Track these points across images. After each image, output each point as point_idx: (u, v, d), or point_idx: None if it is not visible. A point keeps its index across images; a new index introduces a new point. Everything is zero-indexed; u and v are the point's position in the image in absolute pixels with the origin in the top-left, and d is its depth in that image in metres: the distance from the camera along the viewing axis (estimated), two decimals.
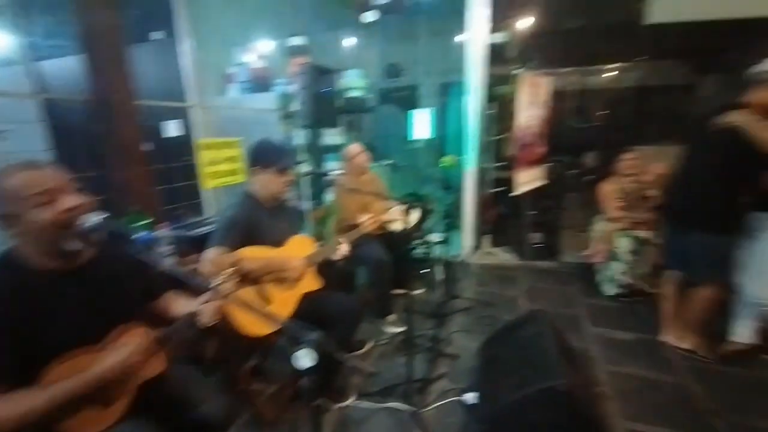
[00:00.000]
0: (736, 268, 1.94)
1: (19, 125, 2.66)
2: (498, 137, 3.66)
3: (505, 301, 2.87)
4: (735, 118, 1.73)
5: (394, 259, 2.44)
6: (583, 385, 1.69)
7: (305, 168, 3.18)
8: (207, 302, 1.05)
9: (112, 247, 1.02)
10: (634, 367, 2.07)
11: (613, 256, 2.84)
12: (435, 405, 1.81)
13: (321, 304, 1.75)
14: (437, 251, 3.28)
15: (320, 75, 3.30)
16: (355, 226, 2.14)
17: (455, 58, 3.49)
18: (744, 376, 1.96)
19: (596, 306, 2.77)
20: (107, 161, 2.05)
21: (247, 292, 1.58)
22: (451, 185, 3.73)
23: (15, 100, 2.69)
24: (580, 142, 5.78)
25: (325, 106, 3.38)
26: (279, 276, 1.65)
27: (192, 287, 1.05)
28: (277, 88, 3.47)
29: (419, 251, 3.12)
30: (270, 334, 1.56)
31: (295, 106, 3.32)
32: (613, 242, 2.83)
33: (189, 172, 2.65)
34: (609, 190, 2.92)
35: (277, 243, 1.71)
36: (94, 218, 0.92)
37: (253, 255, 1.58)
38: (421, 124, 4.19)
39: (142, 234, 1.75)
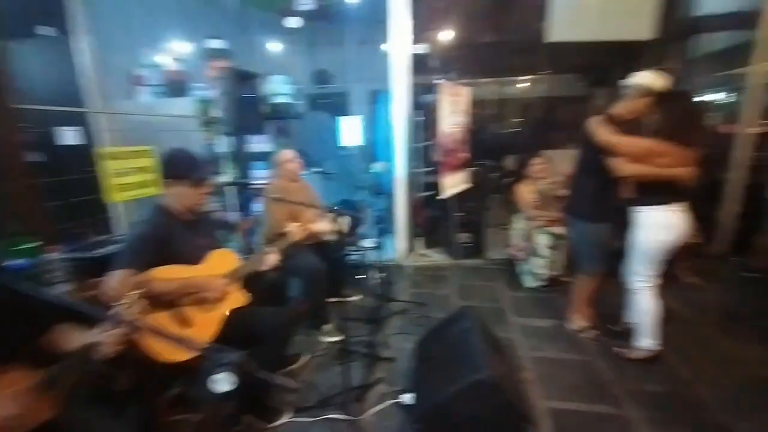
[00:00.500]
0: (615, 257, 2.22)
1: None
2: (426, 143, 3.82)
3: (439, 301, 2.98)
4: (591, 122, 2.11)
5: (328, 267, 2.41)
6: (508, 374, 1.82)
7: (229, 177, 3.01)
8: (108, 331, 0.94)
9: None
10: (551, 351, 2.29)
11: (533, 252, 3.11)
12: (374, 411, 1.82)
13: (248, 322, 1.65)
14: (371, 256, 3.31)
15: (242, 80, 3.17)
16: (283, 235, 2.07)
17: (382, 67, 3.57)
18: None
19: (519, 298, 3.01)
20: None
21: (162, 317, 1.44)
22: (383, 191, 3.80)
23: None
24: (500, 146, 6.29)
25: (249, 112, 3.25)
26: (198, 297, 1.53)
27: (88, 316, 0.93)
28: (195, 92, 3.26)
29: (353, 257, 3.12)
30: (191, 359, 1.44)
31: (216, 111, 3.14)
32: (533, 239, 3.11)
33: (93, 184, 2.35)
34: (524, 191, 3.20)
35: (196, 260, 1.58)
36: None
37: (167, 275, 1.45)
38: (352, 131, 4.22)
39: (22, 260, 1.51)
